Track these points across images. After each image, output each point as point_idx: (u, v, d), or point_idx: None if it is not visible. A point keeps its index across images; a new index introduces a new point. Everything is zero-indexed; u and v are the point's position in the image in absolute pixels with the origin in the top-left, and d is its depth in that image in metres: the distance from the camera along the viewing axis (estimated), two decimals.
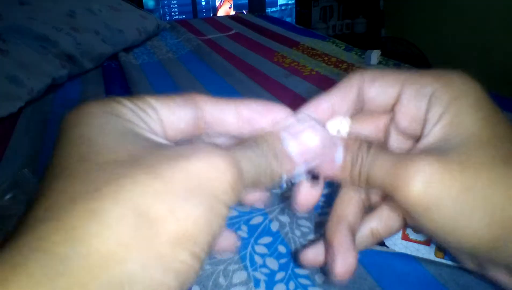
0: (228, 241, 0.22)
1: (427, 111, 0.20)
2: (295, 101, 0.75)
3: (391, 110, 0.22)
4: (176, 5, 2.69)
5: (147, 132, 0.16)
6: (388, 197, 0.19)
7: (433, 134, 0.19)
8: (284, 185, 0.20)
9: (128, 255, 0.12)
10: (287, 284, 0.35)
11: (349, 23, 2.86)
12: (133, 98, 0.17)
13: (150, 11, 2.45)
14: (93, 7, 1.15)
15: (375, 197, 0.23)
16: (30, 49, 0.89)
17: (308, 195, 0.21)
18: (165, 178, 0.13)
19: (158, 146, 0.15)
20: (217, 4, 2.80)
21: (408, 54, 2.30)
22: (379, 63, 0.95)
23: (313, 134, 0.19)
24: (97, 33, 1.07)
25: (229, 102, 0.20)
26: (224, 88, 0.85)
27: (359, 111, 0.23)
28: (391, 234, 0.23)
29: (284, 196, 0.45)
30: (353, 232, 0.22)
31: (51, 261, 0.11)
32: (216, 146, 0.16)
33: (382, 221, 0.23)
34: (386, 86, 0.21)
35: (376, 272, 0.35)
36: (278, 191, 0.21)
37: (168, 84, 0.90)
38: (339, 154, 0.20)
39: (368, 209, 0.24)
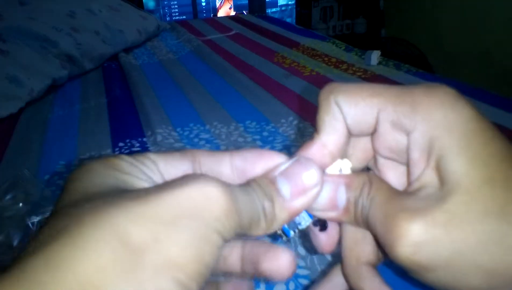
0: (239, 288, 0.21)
1: (409, 149, 0.18)
2: (295, 102, 0.75)
3: (371, 135, 0.20)
4: (176, 6, 2.70)
5: (145, 182, 0.16)
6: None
7: (421, 181, 0.18)
8: (291, 232, 0.19)
9: (107, 282, 0.11)
10: (287, 284, 0.35)
11: (349, 23, 2.86)
12: (133, 155, 0.17)
13: (150, 11, 2.45)
14: (93, 8, 1.15)
15: None
16: (30, 50, 0.89)
17: (327, 239, 0.20)
18: (151, 203, 0.13)
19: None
20: (217, 4, 2.80)
21: (408, 54, 2.30)
22: (379, 63, 0.95)
23: (309, 173, 0.18)
24: (97, 33, 1.07)
25: (224, 154, 0.19)
26: (224, 89, 0.85)
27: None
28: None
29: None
30: (375, 268, 0.21)
31: (30, 288, 0.11)
32: (211, 176, 0.15)
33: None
34: (362, 111, 0.19)
35: None
36: (285, 239, 0.20)
37: (168, 85, 0.90)
38: (341, 195, 0.19)
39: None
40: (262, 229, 0.17)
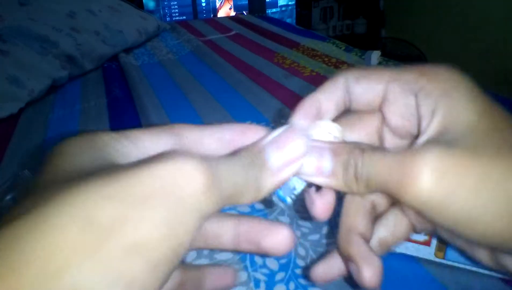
0: (223, 278, 0.21)
1: (418, 107, 0.19)
2: (295, 102, 0.75)
3: (379, 109, 0.21)
4: (176, 6, 2.70)
5: (128, 160, 0.16)
6: (394, 199, 0.18)
7: (431, 129, 0.18)
8: (288, 199, 0.19)
9: (71, 263, 0.11)
10: (287, 284, 0.35)
11: (349, 23, 2.86)
12: (119, 131, 0.17)
13: (150, 12, 2.45)
14: (93, 8, 1.15)
15: (380, 205, 0.22)
16: (31, 50, 0.89)
17: (321, 203, 0.20)
18: (121, 182, 0.12)
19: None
20: (217, 5, 2.80)
21: (408, 55, 2.30)
22: (379, 63, 0.95)
23: (296, 142, 0.18)
24: (97, 34, 1.07)
25: (211, 127, 0.19)
26: (224, 89, 0.85)
27: (347, 110, 0.22)
28: (399, 242, 0.22)
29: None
30: (367, 240, 0.21)
31: None
32: (189, 152, 0.14)
33: (389, 230, 0.22)
34: (371, 83, 0.20)
35: None
36: (284, 206, 0.20)
37: (169, 85, 0.90)
38: (326, 162, 0.19)
39: (375, 218, 0.22)
40: (249, 198, 0.17)
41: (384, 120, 0.21)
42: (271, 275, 0.36)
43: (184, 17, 2.70)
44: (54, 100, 0.86)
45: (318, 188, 0.20)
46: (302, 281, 0.35)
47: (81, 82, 0.97)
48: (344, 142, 0.20)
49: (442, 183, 0.16)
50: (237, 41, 1.26)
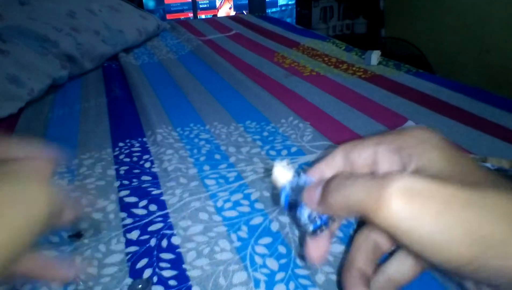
0: (59, 269, 0.26)
1: (399, 160, 0.23)
2: (295, 102, 0.75)
3: (373, 169, 0.25)
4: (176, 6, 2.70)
5: None
6: (369, 221, 0.20)
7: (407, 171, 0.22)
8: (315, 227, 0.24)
9: None
10: (287, 284, 0.35)
11: (349, 23, 2.85)
12: None
13: (150, 11, 2.45)
14: (93, 8, 1.15)
15: (384, 244, 0.25)
16: (31, 50, 0.89)
17: (316, 248, 0.24)
18: None
19: None
20: (217, 4, 2.80)
21: (408, 54, 2.30)
22: (379, 63, 0.95)
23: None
24: (97, 33, 1.07)
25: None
26: (224, 89, 0.85)
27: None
28: (409, 280, 0.24)
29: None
30: (364, 275, 0.24)
31: None
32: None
33: (397, 268, 0.24)
34: (363, 149, 0.24)
35: None
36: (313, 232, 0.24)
37: (169, 85, 0.90)
38: (315, 192, 0.23)
39: (379, 255, 0.25)
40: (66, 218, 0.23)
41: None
42: (271, 275, 0.36)
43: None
44: (54, 100, 0.86)
45: (314, 233, 0.23)
46: (302, 281, 0.35)
47: (81, 82, 0.97)
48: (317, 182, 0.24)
49: (410, 206, 0.18)
50: (237, 41, 1.25)
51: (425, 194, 0.18)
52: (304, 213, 0.23)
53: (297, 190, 0.24)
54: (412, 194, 0.18)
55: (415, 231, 0.18)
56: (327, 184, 0.22)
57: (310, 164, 0.53)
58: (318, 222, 0.23)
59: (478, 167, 0.21)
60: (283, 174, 0.25)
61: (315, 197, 0.23)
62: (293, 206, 0.24)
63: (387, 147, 0.23)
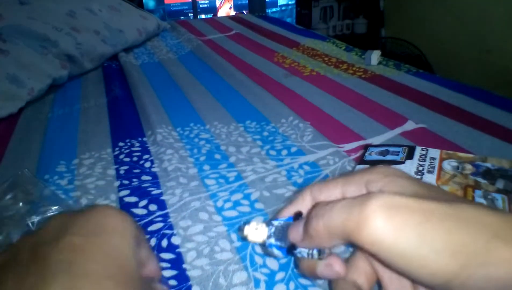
0: None
1: (368, 192, 0.23)
2: (295, 102, 0.75)
3: None
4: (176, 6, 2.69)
5: None
6: (353, 244, 0.20)
7: None
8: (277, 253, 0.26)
9: None
10: (287, 284, 0.35)
11: (349, 23, 2.85)
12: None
13: (151, 11, 2.45)
14: (93, 7, 1.15)
15: (364, 285, 0.25)
16: (30, 49, 0.89)
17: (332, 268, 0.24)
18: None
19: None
20: (217, 4, 2.80)
21: (408, 54, 2.30)
22: (379, 63, 0.95)
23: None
24: (97, 33, 1.07)
25: None
26: (224, 89, 0.85)
27: None
28: None
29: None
30: None
31: None
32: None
33: None
34: (330, 190, 0.25)
35: None
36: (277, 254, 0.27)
37: (169, 85, 0.90)
38: (298, 229, 0.24)
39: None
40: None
41: None
42: (271, 275, 0.36)
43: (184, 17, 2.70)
44: (54, 100, 0.86)
45: (321, 257, 0.24)
46: (302, 281, 0.35)
47: (81, 82, 0.97)
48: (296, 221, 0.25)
49: (392, 220, 0.18)
50: (237, 41, 1.25)
51: (405, 209, 0.18)
52: (303, 249, 0.24)
53: (282, 235, 0.25)
54: (392, 209, 0.18)
55: (398, 245, 0.18)
56: (307, 218, 0.23)
57: (310, 164, 0.53)
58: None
59: (446, 191, 0.22)
60: (258, 233, 0.26)
61: (298, 234, 0.23)
62: (290, 250, 0.25)
63: (354, 185, 0.24)
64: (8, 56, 0.84)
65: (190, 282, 0.35)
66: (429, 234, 0.18)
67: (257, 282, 0.35)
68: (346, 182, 0.25)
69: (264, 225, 0.26)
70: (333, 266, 0.24)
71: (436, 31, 2.21)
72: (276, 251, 0.25)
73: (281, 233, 0.25)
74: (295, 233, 0.24)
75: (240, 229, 0.27)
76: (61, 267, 0.18)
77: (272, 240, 0.25)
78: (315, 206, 0.23)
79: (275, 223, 0.26)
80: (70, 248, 0.20)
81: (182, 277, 0.36)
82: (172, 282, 0.35)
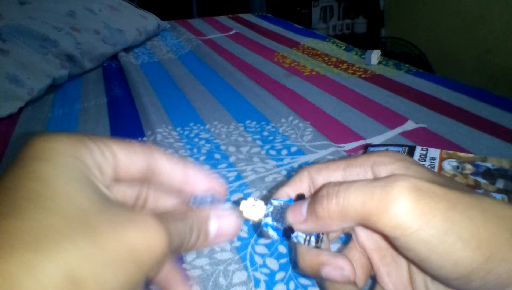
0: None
1: (375, 177, 0.21)
2: (295, 101, 0.75)
3: None
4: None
5: (99, 182, 0.17)
6: (370, 228, 0.19)
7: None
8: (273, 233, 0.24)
9: None
10: (287, 284, 0.35)
11: (349, 23, 2.85)
12: (96, 139, 0.18)
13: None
14: (93, 7, 1.15)
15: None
16: (30, 49, 0.89)
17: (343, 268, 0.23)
18: (100, 244, 0.15)
19: (104, 204, 0.16)
20: None
21: (408, 54, 2.30)
22: (379, 63, 0.95)
23: (232, 222, 0.21)
24: (97, 33, 1.07)
25: (180, 161, 0.22)
26: (224, 88, 0.85)
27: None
28: None
29: None
30: None
31: None
32: (153, 215, 0.16)
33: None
34: (330, 172, 0.23)
35: None
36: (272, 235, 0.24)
37: (168, 84, 0.90)
38: (302, 208, 0.22)
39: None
40: (184, 251, 0.20)
41: None
42: (271, 274, 0.36)
43: None
44: (54, 99, 0.86)
45: (318, 245, 0.23)
46: (302, 280, 0.35)
47: (81, 81, 0.97)
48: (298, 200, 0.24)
49: (419, 204, 0.17)
50: (237, 41, 1.25)
51: (432, 194, 0.17)
52: (300, 233, 0.23)
53: (280, 216, 0.23)
54: (420, 193, 0.17)
55: (424, 230, 0.17)
56: (314, 198, 0.21)
57: (310, 163, 0.53)
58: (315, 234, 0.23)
59: (461, 182, 0.21)
60: (255, 210, 0.24)
61: (301, 215, 0.22)
62: (286, 233, 0.23)
63: (358, 168, 0.23)
64: (8, 56, 0.84)
65: (190, 282, 0.35)
66: (456, 222, 0.17)
67: (257, 282, 0.35)
68: (348, 164, 0.23)
69: (262, 202, 0.24)
70: (344, 269, 0.22)
71: (436, 31, 2.21)
72: (271, 232, 0.23)
73: (279, 214, 0.23)
74: (297, 214, 0.22)
75: (236, 204, 0.25)
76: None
77: (269, 220, 0.23)
78: (326, 185, 0.21)
79: (275, 202, 0.24)
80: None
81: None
82: None
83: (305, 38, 1.22)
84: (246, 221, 0.25)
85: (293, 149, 0.57)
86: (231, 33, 1.36)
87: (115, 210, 0.16)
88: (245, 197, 0.24)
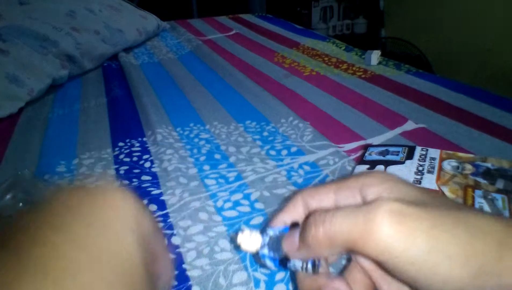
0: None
1: (363, 199, 0.22)
2: (295, 102, 0.75)
3: None
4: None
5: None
6: (358, 254, 0.20)
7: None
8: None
9: None
10: (287, 284, 0.35)
11: (349, 23, 2.85)
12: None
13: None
14: (93, 7, 1.15)
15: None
16: (30, 49, 0.89)
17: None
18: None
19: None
20: None
21: (408, 54, 2.30)
22: (379, 63, 0.95)
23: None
24: (97, 33, 1.07)
25: None
26: (224, 89, 0.85)
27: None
28: None
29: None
30: None
31: None
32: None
33: None
34: (322, 195, 0.24)
35: None
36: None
37: (168, 85, 0.90)
38: (294, 239, 0.23)
39: None
40: None
41: None
42: (271, 275, 0.36)
43: None
44: (54, 100, 0.86)
45: (315, 271, 0.23)
46: None
47: (81, 82, 0.97)
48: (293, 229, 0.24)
49: (402, 227, 0.17)
50: (237, 41, 1.25)
51: (414, 215, 0.18)
52: (296, 262, 0.23)
53: (277, 245, 0.24)
54: (401, 216, 0.18)
55: (409, 252, 0.17)
56: (303, 226, 0.21)
57: (310, 164, 0.53)
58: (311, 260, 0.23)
59: (447, 197, 0.21)
60: (252, 242, 0.25)
61: (294, 243, 0.22)
62: (283, 262, 0.24)
63: (348, 191, 0.23)
64: (8, 56, 0.84)
65: (190, 282, 0.35)
66: (441, 240, 0.17)
67: (257, 282, 0.35)
68: (338, 187, 0.24)
69: (258, 233, 0.25)
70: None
71: (436, 31, 2.21)
72: (268, 262, 0.24)
73: (276, 243, 0.24)
74: (290, 243, 0.22)
75: (234, 236, 0.25)
76: (39, 265, 0.14)
77: (266, 251, 0.24)
78: (313, 213, 0.21)
79: (270, 232, 0.25)
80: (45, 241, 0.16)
81: (182, 277, 0.36)
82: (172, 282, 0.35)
83: (305, 38, 1.22)
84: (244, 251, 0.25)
85: (293, 149, 0.57)
86: (231, 33, 1.36)
87: None
88: (244, 224, 0.26)
